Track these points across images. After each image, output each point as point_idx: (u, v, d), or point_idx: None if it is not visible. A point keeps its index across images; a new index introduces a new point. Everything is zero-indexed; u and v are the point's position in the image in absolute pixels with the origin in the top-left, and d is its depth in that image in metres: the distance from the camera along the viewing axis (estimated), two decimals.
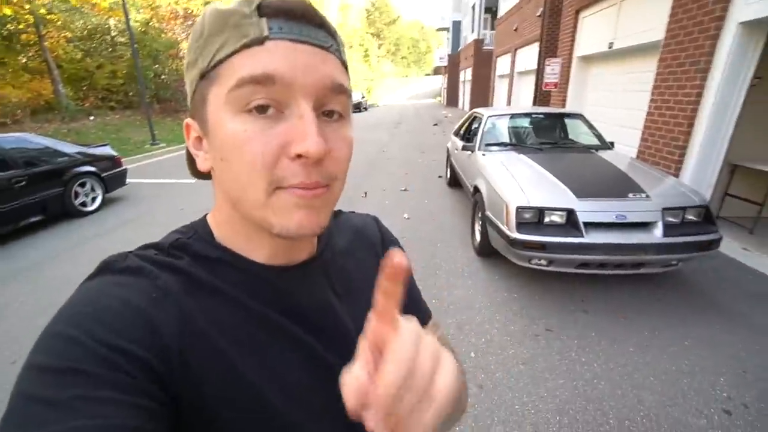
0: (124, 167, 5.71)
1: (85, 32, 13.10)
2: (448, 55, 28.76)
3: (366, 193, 5.45)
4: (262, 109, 0.32)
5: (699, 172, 3.69)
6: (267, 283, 0.39)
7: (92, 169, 5.11)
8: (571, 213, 2.52)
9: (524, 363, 2.10)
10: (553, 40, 9.22)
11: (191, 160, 0.41)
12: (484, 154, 3.65)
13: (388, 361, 0.22)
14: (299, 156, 0.32)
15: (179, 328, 0.32)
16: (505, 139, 3.96)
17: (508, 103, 12.90)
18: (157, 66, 13.05)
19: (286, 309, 0.39)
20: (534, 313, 2.55)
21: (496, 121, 4.15)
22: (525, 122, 4.27)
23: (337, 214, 0.55)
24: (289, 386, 0.37)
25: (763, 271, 3.00)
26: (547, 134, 4.19)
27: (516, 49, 12.10)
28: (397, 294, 0.23)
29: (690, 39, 3.68)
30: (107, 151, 5.55)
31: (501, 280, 2.98)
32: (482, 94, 19.71)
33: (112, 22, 13.58)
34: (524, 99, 11.64)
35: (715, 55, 3.44)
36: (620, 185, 2.72)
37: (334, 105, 0.35)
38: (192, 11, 15.48)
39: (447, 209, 4.72)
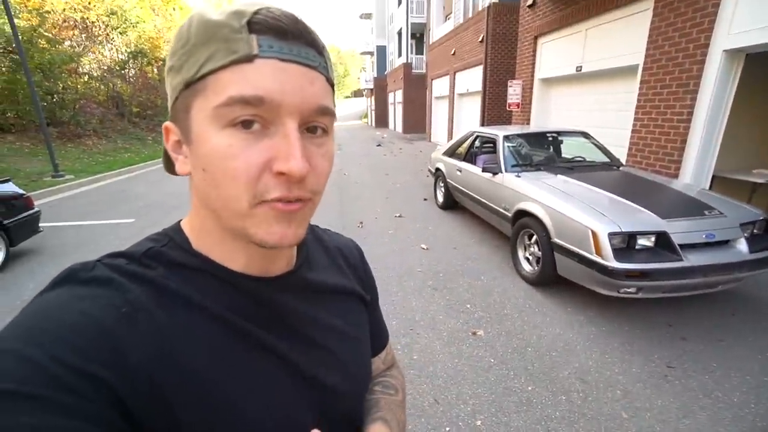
0: (36, 209, 4.31)
1: None
2: (374, 78, 29.47)
3: (362, 223, 4.90)
4: (247, 124, 0.32)
5: (694, 183, 3.97)
6: (247, 294, 0.38)
7: None
8: (661, 235, 2.38)
9: (684, 416, 1.82)
10: (498, 63, 9.87)
11: (169, 160, 0.40)
12: (518, 176, 3.44)
13: None
14: (281, 173, 0.32)
15: (151, 348, 0.31)
16: (527, 159, 3.84)
17: (450, 123, 13.42)
18: (49, 83, 10.71)
19: (267, 322, 0.39)
20: (639, 348, 2.32)
21: (513, 141, 4.02)
22: (538, 142, 4.23)
23: (314, 228, 0.54)
24: (273, 404, 0.37)
25: None
26: (558, 153, 4.20)
27: (455, 72, 12.70)
28: None
29: (674, 63, 4.01)
30: (10, 188, 4.13)
31: (576, 312, 2.72)
32: (416, 115, 20.43)
33: None
34: (467, 119, 12.20)
35: (702, 78, 3.78)
36: (690, 203, 2.70)
37: (318, 123, 0.35)
38: (93, 22, 13.32)
39: (460, 235, 4.42)
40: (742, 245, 2.42)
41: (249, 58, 0.31)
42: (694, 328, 2.50)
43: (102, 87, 13.90)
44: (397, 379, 0.61)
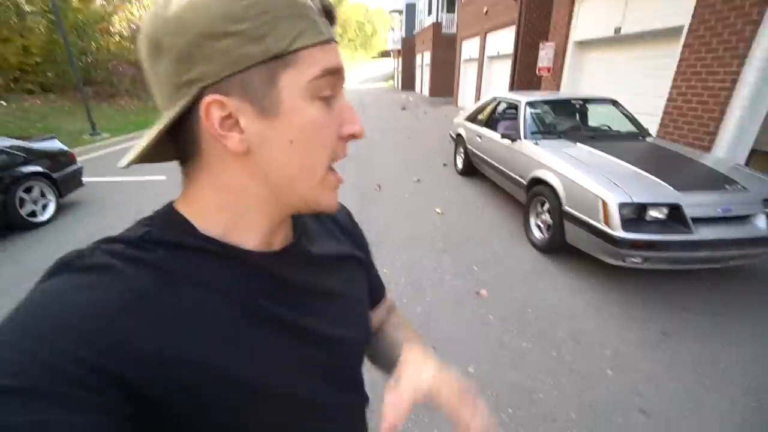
0: (78, 165, 4.67)
1: None
2: (402, 39, 28.23)
3: (380, 186, 5.00)
4: (327, 97, 0.35)
5: (728, 157, 3.77)
6: (253, 269, 0.38)
7: (39, 168, 4.07)
8: (675, 208, 2.36)
9: (671, 380, 1.91)
10: (533, 24, 9.26)
11: (167, 142, 0.36)
12: (536, 143, 3.40)
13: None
14: (351, 136, 0.38)
15: (159, 333, 0.30)
16: (550, 127, 3.75)
17: (478, 88, 12.91)
18: (83, 43, 11.01)
19: (275, 294, 0.39)
20: (637, 315, 2.38)
21: (537, 108, 3.92)
22: (563, 109, 4.10)
23: None
24: (288, 375, 0.38)
25: None
26: (584, 121, 4.07)
27: (486, 33, 12.03)
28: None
29: (724, 24, 3.69)
30: (55, 144, 4.47)
31: (579, 279, 2.78)
32: (444, 78, 19.67)
33: None
34: (496, 84, 11.69)
35: (755, 41, 3.47)
36: (711, 176, 2.62)
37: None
38: None
39: (476, 201, 4.45)
40: (761, 221, 2.36)
41: (329, 41, 0.35)
42: (697, 301, 2.51)
43: (132, 47, 14.14)
44: (399, 315, 0.66)
